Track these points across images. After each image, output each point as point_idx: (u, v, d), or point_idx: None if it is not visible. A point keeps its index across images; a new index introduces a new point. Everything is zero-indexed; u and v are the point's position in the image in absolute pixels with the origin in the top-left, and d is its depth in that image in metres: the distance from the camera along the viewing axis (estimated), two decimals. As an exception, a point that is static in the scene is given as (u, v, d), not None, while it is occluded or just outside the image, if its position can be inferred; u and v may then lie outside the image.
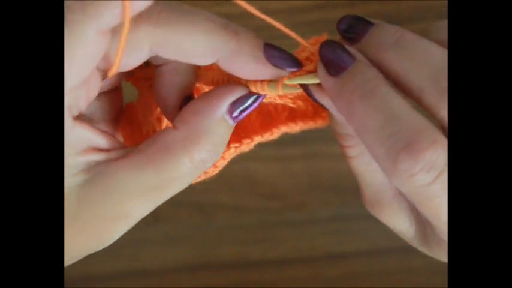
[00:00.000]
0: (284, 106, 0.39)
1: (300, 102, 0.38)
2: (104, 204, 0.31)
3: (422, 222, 0.35)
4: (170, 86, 0.34)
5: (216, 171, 0.40)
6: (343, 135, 0.35)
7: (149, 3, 0.29)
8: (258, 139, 0.39)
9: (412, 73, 0.30)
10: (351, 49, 0.32)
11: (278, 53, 0.32)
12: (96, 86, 0.32)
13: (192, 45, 0.31)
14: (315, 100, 0.33)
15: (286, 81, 0.33)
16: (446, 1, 0.31)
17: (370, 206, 0.36)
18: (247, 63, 0.32)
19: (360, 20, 0.33)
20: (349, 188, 0.69)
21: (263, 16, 0.31)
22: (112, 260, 0.69)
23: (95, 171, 0.31)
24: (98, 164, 0.31)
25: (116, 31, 0.29)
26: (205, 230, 0.71)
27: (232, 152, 0.39)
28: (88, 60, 0.29)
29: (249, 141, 0.39)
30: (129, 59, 0.31)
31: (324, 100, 0.33)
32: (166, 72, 0.34)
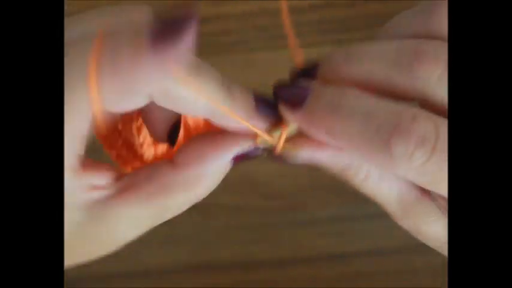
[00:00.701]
0: None
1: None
2: (106, 239, 0.33)
3: None
4: (158, 119, 0.35)
5: None
6: (341, 171, 0.35)
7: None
8: None
9: (375, 70, 0.31)
10: (301, 80, 0.33)
11: (270, 109, 0.33)
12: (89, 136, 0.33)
13: (191, 104, 0.31)
14: (300, 161, 0.35)
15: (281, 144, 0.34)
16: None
17: (401, 220, 0.36)
18: (238, 123, 0.33)
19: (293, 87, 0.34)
20: (349, 188, 0.69)
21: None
22: (112, 260, 0.69)
23: (94, 209, 0.32)
24: (98, 202, 0.32)
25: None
26: (205, 230, 0.71)
27: None
28: (76, 144, 0.31)
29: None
30: (127, 104, 0.31)
31: (305, 154, 0.34)
32: (154, 109, 0.34)
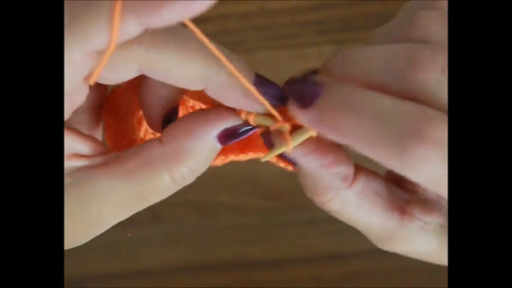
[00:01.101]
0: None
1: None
2: (81, 211, 0.31)
3: (442, 226, 0.34)
4: (156, 97, 0.34)
5: None
6: (317, 192, 0.34)
7: (139, 32, 0.29)
8: (232, 158, 0.39)
9: (368, 74, 0.31)
10: (314, 76, 0.32)
11: (268, 88, 0.32)
12: (81, 96, 0.32)
13: (182, 72, 0.31)
14: (281, 157, 0.33)
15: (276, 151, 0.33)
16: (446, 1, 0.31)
17: (382, 245, 0.35)
18: (235, 97, 0.32)
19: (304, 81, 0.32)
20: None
21: None
22: (112, 260, 0.69)
23: (74, 176, 0.31)
24: (79, 170, 0.31)
25: (100, 54, 0.29)
26: (205, 230, 0.71)
27: None
28: (71, 78, 0.29)
29: (223, 158, 0.39)
30: (116, 75, 0.31)
31: (294, 152, 0.33)
32: (153, 84, 0.34)
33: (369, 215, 0.34)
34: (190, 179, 0.33)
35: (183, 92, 0.35)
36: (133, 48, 0.30)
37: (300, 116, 0.31)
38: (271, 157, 0.34)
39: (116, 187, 0.31)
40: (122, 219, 0.33)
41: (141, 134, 0.37)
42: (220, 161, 0.39)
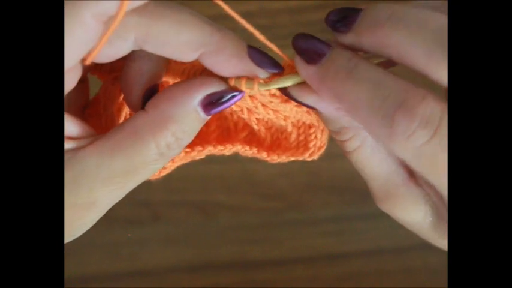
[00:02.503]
0: (244, 127, 0.40)
1: (262, 128, 0.38)
2: (72, 191, 0.31)
3: (437, 206, 0.34)
4: (139, 71, 0.34)
5: (164, 172, 0.40)
6: (338, 131, 0.34)
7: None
8: (210, 149, 0.39)
9: (414, 40, 0.30)
10: (324, 39, 0.33)
11: (260, 54, 0.33)
12: (75, 77, 0.33)
13: (176, 37, 0.31)
14: (299, 102, 0.33)
15: (267, 85, 0.33)
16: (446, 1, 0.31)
17: (381, 201, 0.35)
18: (229, 60, 0.32)
19: (347, 9, 0.33)
20: (349, 188, 0.69)
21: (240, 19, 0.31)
22: (112, 260, 0.69)
23: (64, 157, 0.31)
24: (67, 151, 0.31)
25: (106, 24, 0.30)
26: (205, 230, 0.71)
27: (182, 157, 0.39)
28: (80, 45, 0.30)
29: (200, 149, 0.39)
30: (113, 49, 0.32)
31: (308, 99, 0.33)
32: (138, 57, 0.34)
33: (381, 162, 0.34)
34: (176, 150, 0.33)
35: (165, 70, 0.35)
36: (129, 18, 0.30)
37: (304, 70, 0.32)
38: (271, 87, 0.34)
39: (105, 162, 0.31)
40: (115, 200, 0.32)
41: (121, 120, 0.37)
42: (197, 153, 0.39)
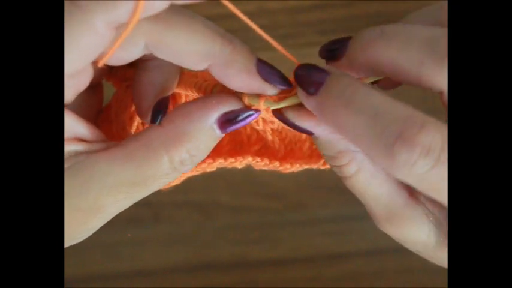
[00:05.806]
0: (257, 140, 0.40)
1: (276, 139, 0.38)
2: (80, 196, 0.31)
3: (440, 223, 0.34)
4: (150, 82, 0.34)
5: (173, 184, 0.39)
6: (335, 156, 0.34)
7: (165, 6, 0.29)
8: (221, 162, 0.39)
9: (406, 51, 0.30)
10: (323, 66, 0.32)
11: (269, 68, 0.33)
12: (86, 79, 0.32)
13: (187, 46, 0.31)
14: (297, 128, 0.33)
15: (278, 104, 0.33)
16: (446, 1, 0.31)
17: (384, 223, 0.35)
18: (238, 73, 0.32)
19: (337, 39, 0.33)
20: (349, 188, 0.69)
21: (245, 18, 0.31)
22: (112, 260, 0.69)
23: (74, 161, 0.31)
24: (79, 154, 0.31)
25: (118, 30, 0.30)
26: (205, 230, 0.71)
27: (193, 169, 0.38)
28: (89, 50, 0.29)
29: (211, 161, 0.39)
30: (124, 53, 0.32)
31: (305, 123, 0.33)
32: (150, 68, 0.34)
33: (381, 185, 0.34)
34: (189, 166, 0.32)
35: (176, 82, 0.35)
36: (141, 23, 0.30)
37: (306, 102, 0.32)
38: (281, 106, 0.34)
39: (115, 170, 0.31)
40: (121, 209, 0.32)
41: (133, 129, 0.37)
42: (207, 165, 0.39)
